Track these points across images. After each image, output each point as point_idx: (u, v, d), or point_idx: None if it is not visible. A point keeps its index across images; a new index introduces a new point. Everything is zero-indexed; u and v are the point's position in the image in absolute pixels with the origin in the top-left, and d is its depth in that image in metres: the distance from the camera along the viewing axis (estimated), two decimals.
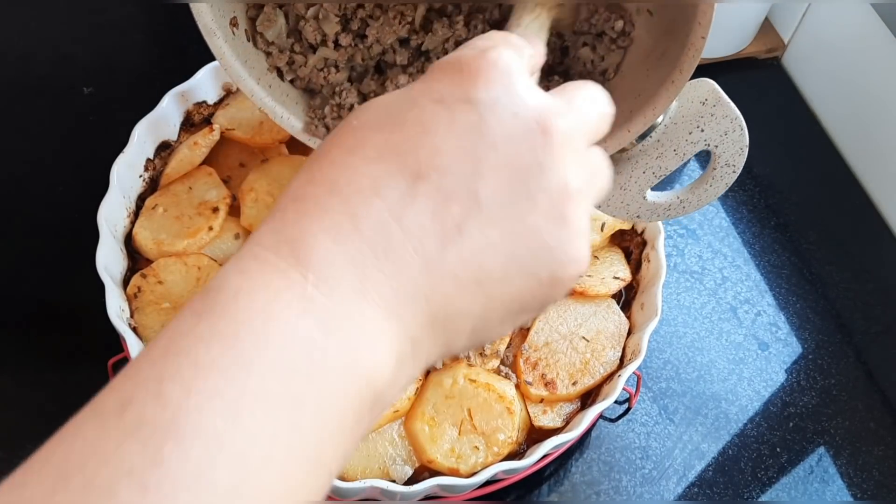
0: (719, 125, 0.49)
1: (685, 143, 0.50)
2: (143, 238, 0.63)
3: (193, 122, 0.71)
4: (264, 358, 0.24)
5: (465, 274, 0.28)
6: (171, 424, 0.22)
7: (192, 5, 0.47)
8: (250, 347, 0.24)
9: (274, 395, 0.24)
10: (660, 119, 0.50)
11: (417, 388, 0.58)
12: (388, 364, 0.27)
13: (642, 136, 0.50)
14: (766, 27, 0.92)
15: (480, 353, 0.59)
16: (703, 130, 0.50)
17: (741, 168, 0.51)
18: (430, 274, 0.27)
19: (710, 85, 0.49)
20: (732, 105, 0.49)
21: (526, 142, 0.29)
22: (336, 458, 0.26)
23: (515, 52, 0.32)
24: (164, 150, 0.69)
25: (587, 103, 0.32)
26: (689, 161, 0.51)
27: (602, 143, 0.47)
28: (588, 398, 0.62)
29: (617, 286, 0.65)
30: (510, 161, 0.28)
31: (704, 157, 0.51)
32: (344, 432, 0.26)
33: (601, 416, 0.66)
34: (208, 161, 0.68)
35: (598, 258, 0.66)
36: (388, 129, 0.29)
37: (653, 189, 0.53)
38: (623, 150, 0.51)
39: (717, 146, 0.50)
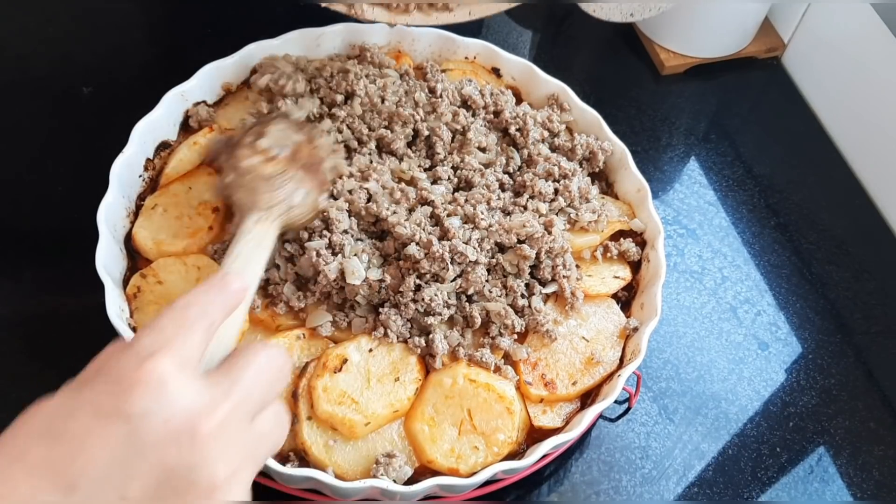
0: None
1: None
2: (143, 238, 0.63)
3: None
4: None
5: None
6: None
7: None
8: None
9: None
10: None
11: (417, 388, 0.58)
12: None
13: None
14: (766, 27, 0.92)
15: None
16: None
17: None
18: None
19: None
20: None
21: (174, 445, 0.33)
22: None
23: (176, 356, 0.35)
24: (164, 149, 0.69)
25: (253, 377, 0.37)
26: None
27: None
28: (588, 398, 0.62)
29: (617, 286, 0.65)
30: (159, 464, 0.32)
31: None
32: None
33: (601, 416, 0.66)
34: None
35: (597, 258, 0.66)
36: (48, 441, 0.32)
37: None
38: None
39: None
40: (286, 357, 0.40)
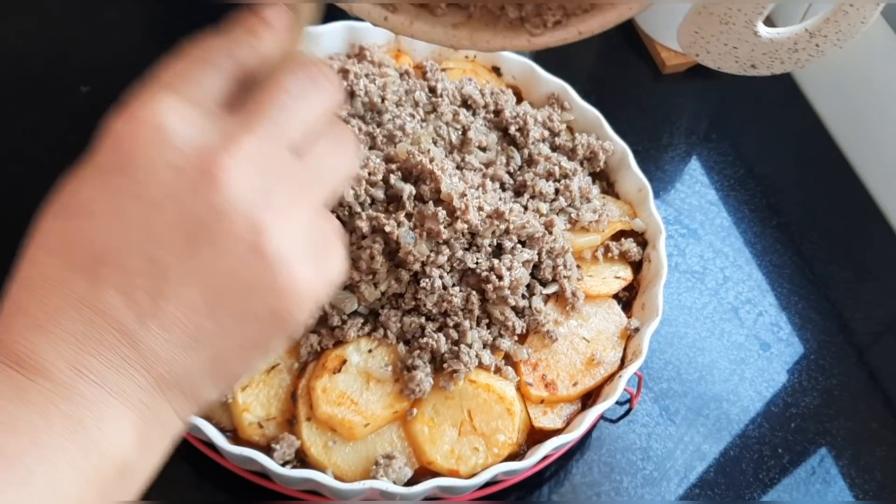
0: None
1: None
2: None
3: None
4: None
5: (176, 338, 0.29)
6: None
7: None
8: None
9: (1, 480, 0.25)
10: None
11: None
12: (124, 434, 0.28)
13: None
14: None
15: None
16: None
17: None
18: (137, 348, 0.28)
19: None
20: None
21: (192, 191, 0.28)
22: None
23: (176, 97, 0.30)
24: None
25: (285, 103, 0.31)
26: None
27: None
28: (589, 399, 0.61)
29: (618, 286, 0.65)
30: (181, 216, 0.28)
31: None
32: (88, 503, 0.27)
33: (602, 417, 0.65)
34: None
35: (598, 258, 0.66)
36: (63, 216, 0.30)
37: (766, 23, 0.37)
38: None
39: None
40: (331, 73, 0.32)
